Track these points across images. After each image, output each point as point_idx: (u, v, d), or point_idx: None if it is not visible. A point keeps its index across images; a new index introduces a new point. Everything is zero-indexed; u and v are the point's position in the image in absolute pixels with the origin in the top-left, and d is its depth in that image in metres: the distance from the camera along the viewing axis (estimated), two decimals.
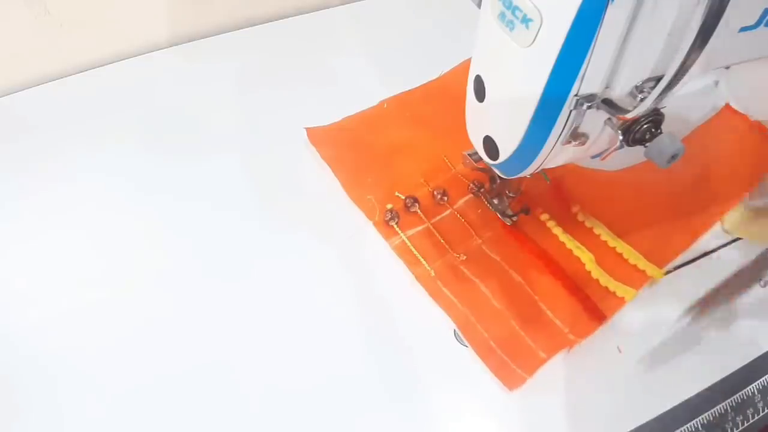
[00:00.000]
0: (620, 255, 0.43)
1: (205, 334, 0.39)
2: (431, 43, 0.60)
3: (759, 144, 0.49)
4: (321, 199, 0.47)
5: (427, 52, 0.58)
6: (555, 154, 0.33)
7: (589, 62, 0.27)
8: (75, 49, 0.57)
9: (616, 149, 0.34)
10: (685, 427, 0.36)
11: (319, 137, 0.49)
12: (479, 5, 0.31)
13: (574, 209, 0.45)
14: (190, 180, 0.48)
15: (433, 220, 0.45)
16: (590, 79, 0.28)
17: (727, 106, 0.49)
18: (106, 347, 0.39)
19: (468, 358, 0.38)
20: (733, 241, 0.44)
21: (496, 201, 0.45)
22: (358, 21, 0.64)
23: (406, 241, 0.43)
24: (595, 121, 0.31)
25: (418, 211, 0.45)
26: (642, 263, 0.42)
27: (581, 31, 0.26)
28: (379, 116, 0.52)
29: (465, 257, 0.43)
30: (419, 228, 0.44)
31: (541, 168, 0.35)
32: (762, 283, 0.42)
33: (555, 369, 0.38)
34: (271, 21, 0.63)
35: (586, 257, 0.42)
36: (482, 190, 0.45)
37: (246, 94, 0.55)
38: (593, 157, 0.36)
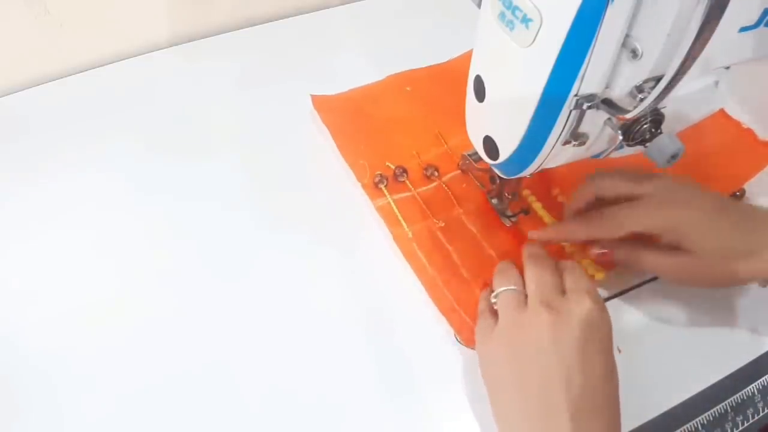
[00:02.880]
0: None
1: (206, 333, 0.39)
2: (431, 43, 0.60)
3: (747, 150, 0.50)
4: (322, 196, 0.47)
5: (427, 52, 0.58)
6: (555, 154, 0.33)
7: (589, 62, 0.27)
8: (75, 49, 0.57)
9: (616, 149, 0.34)
10: (685, 427, 0.36)
11: (322, 104, 0.52)
12: (479, 5, 0.31)
13: (554, 192, 0.46)
14: (190, 179, 0.48)
15: (419, 190, 0.47)
16: (590, 79, 0.28)
17: (721, 110, 0.49)
18: (106, 347, 0.39)
19: (467, 358, 0.38)
20: None
21: (495, 201, 0.46)
22: (358, 21, 0.64)
23: (391, 202, 0.45)
24: (595, 121, 0.31)
25: (406, 181, 0.47)
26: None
27: (581, 31, 0.26)
28: (382, 90, 0.54)
29: (443, 224, 0.45)
30: (405, 194, 0.46)
31: (541, 168, 0.35)
32: (762, 282, 0.42)
33: None
34: (271, 21, 0.63)
35: (548, 219, 0.44)
36: (469, 162, 0.46)
37: (246, 94, 0.55)
38: (593, 156, 0.36)
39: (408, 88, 0.54)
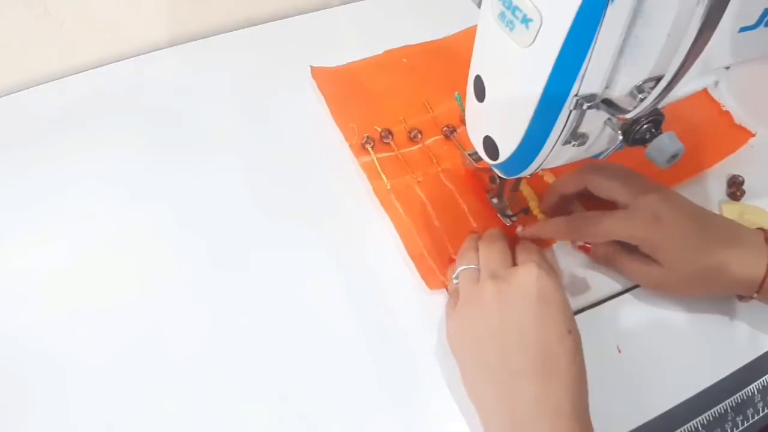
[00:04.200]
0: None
1: (207, 331, 0.39)
2: None
3: (724, 131, 0.52)
4: (322, 195, 0.47)
5: None
6: (555, 154, 0.33)
7: (589, 62, 0.27)
8: (75, 49, 0.57)
9: (616, 149, 0.34)
10: (685, 427, 0.36)
11: (320, 74, 0.55)
12: (479, 5, 0.31)
13: (541, 171, 0.47)
14: (189, 179, 0.48)
15: (403, 151, 0.50)
16: (590, 79, 0.28)
17: (704, 90, 0.50)
18: (111, 345, 0.39)
19: None
20: None
21: (495, 201, 0.46)
22: (358, 21, 0.64)
23: (374, 159, 0.49)
24: (595, 121, 0.31)
25: (391, 142, 0.50)
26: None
27: (581, 31, 0.26)
28: (378, 63, 0.57)
29: (421, 179, 0.48)
30: (389, 154, 0.50)
31: (541, 168, 0.35)
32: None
33: None
34: (271, 21, 0.63)
35: (533, 203, 0.45)
36: (454, 134, 0.51)
37: (246, 94, 0.55)
38: (593, 157, 0.36)
39: (404, 60, 0.57)
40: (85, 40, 0.57)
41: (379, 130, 0.50)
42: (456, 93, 0.50)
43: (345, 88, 0.54)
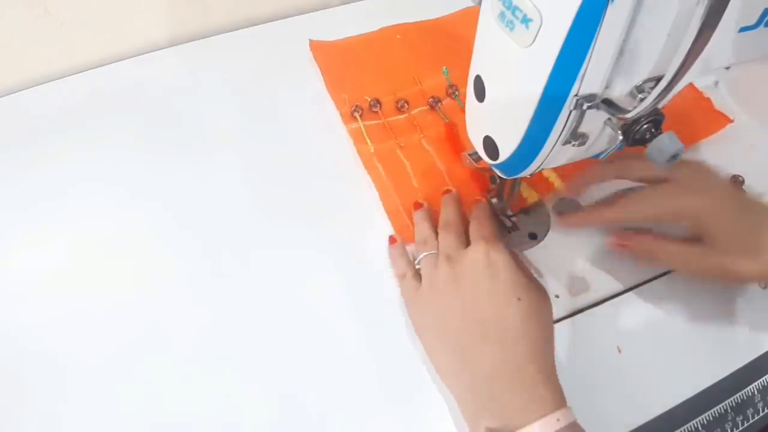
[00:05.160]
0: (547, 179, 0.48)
1: (207, 331, 0.39)
2: None
3: (703, 115, 0.53)
4: (323, 197, 0.47)
5: None
6: (555, 154, 0.33)
7: (589, 62, 0.27)
8: (75, 49, 0.57)
9: (616, 149, 0.34)
10: (685, 427, 0.36)
11: (319, 46, 0.57)
12: (479, 5, 0.31)
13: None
14: (189, 179, 0.48)
15: (389, 119, 0.53)
16: (590, 79, 0.28)
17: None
18: (111, 345, 0.39)
19: None
20: None
21: (495, 201, 0.46)
22: (358, 21, 0.64)
23: (361, 126, 0.51)
24: (595, 121, 0.31)
25: (379, 111, 0.53)
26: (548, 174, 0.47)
27: (581, 31, 0.26)
28: (374, 38, 0.59)
29: (404, 144, 0.51)
30: (376, 122, 0.52)
31: (541, 168, 0.35)
32: (762, 284, 0.42)
33: None
34: (271, 21, 0.63)
35: (553, 176, 0.46)
36: (439, 104, 0.53)
37: (246, 94, 0.55)
38: (593, 157, 0.36)
39: (398, 36, 0.60)
40: (85, 40, 0.57)
41: (369, 99, 0.53)
42: (444, 68, 0.55)
43: (340, 61, 0.57)
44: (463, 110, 0.48)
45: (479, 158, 0.39)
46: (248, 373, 0.38)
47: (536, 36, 0.27)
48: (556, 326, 0.40)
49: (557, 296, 0.41)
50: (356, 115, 0.52)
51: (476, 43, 0.33)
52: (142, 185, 0.48)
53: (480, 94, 0.34)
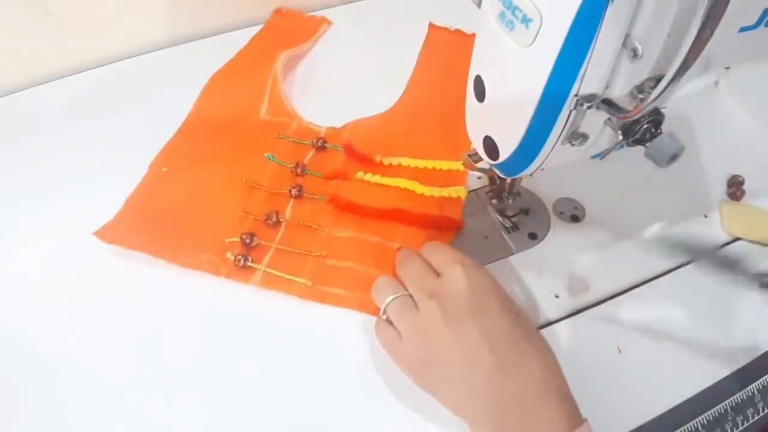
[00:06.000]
0: (434, 170, 0.48)
1: (206, 333, 0.39)
2: None
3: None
4: None
5: None
6: (555, 154, 0.33)
7: (589, 62, 0.27)
8: (75, 49, 0.57)
9: (616, 149, 0.34)
10: (685, 427, 0.36)
11: (112, 234, 0.42)
12: (479, 5, 0.31)
13: (377, 158, 0.48)
14: None
15: (277, 240, 0.43)
16: (590, 79, 0.28)
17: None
18: (110, 348, 0.39)
19: None
20: (733, 241, 0.44)
21: (495, 201, 0.46)
22: (358, 21, 0.64)
23: (268, 270, 0.41)
24: (595, 121, 0.31)
25: (260, 242, 0.43)
26: (453, 165, 0.48)
27: (581, 31, 0.26)
28: (159, 181, 0.47)
29: (325, 252, 0.43)
30: (270, 254, 0.43)
31: (541, 168, 0.35)
32: (762, 284, 0.42)
33: None
34: None
35: (413, 185, 0.46)
36: (301, 192, 0.46)
37: None
38: (593, 157, 0.36)
39: (165, 169, 0.47)
40: (85, 40, 0.57)
41: (237, 239, 0.42)
42: (266, 154, 0.47)
43: (156, 229, 0.43)
44: (334, 164, 0.48)
45: (479, 158, 0.39)
46: (247, 376, 0.38)
47: (536, 36, 0.27)
48: (556, 326, 0.40)
49: (557, 296, 0.41)
50: (247, 264, 0.41)
51: (476, 43, 0.33)
52: None
53: (480, 94, 0.34)
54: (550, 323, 0.40)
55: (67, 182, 0.48)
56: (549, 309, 0.41)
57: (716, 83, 0.54)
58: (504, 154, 0.34)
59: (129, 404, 0.36)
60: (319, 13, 0.64)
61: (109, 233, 0.42)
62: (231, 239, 0.43)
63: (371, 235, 0.44)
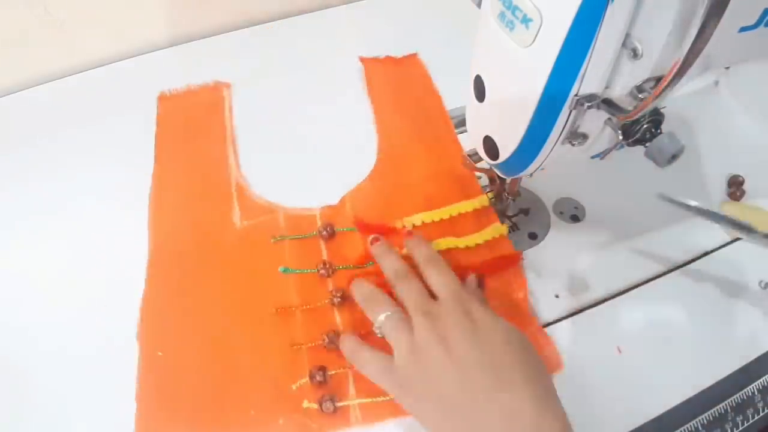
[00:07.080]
0: (459, 215, 0.44)
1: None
2: (431, 43, 0.60)
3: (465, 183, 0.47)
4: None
5: (426, 52, 0.58)
6: (555, 154, 0.33)
7: (589, 62, 0.27)
8: (75, 49, 0.57)
9: (616, 149, 0.34)
10: (685, 427, 0.36)
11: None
12: (479, 5, 0.31)
13: (398, 225, 0.43)
14: None
15: (332, 372, 0.36)
16: (590, 79, 0.28)
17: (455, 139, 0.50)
18: (111, 346, 0.39)
19: None
20: (734, 241, 0.44)
21: (495, 201, 0.46)
22: (358, 21, 0.64)
23: (364, 401, 0.35)
24: (595, 121, 0.31)
25: (332, 371, 0.36)
26: (476, 204, 0.44)
27: (581, 31, 0.26)
28: (162, 368, 0.37)
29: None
30: (350, 381, 0.36)
31: (541, 168, 0.35)
32: (762, 284, 0.42)
33: None
34: (271, 21, 0.63)
35: (452, 242, 0.42)
36: (342, 295, 0.39)
37: (245, 94, 0.55)
38: (593, 157, 0.36)
39: (160, 353, 0.38)
40: (85, 40, 0.57)
41: (304, 380, 0.36)
42: (280, 268, 0.40)
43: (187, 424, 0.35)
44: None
45: (479, 158, 0.39)
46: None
47: (536, 36, 0.27)
48: (556, 326, 0.40)
49: (557, 296, 0.41)
50: (331, 406, 0.35)
51: (476, 43, 0.33)
52: (142, 185, 0.47)
53: (480, 94, 0.34)
54: (550, 323, 0.40)
55: (67, 182, 0.48)
56: (549, 309, 0.41)
57: (716, 83, 0.54)
58: (504, 154, 0.34)
59: (129, 402, 0.36)
60: (319, 13, 0.64)
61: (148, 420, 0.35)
62: (299, 382, 0.36)
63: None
